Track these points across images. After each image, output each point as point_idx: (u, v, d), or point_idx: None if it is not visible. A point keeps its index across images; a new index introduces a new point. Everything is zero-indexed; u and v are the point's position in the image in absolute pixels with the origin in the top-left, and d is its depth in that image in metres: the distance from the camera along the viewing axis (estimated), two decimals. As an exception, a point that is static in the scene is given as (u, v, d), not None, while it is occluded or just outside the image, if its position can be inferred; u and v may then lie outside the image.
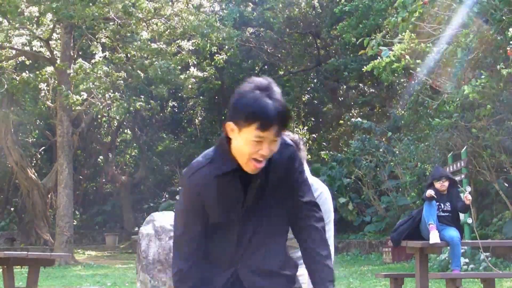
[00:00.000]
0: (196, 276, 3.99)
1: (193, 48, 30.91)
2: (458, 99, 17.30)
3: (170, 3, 28.72)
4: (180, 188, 4.08)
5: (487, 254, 16.09)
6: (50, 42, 30.23)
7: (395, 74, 18.29)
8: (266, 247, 3.98)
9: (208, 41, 29.12)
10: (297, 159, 4.09)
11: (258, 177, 3.88)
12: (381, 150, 25.49)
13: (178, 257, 4.01)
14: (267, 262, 3.98)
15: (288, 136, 4.75)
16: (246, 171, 3.85)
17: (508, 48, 15.93)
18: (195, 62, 32.47)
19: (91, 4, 25.96)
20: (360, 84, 33.08)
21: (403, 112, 25.98)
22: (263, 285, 3.98)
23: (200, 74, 32.10)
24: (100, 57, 30.34)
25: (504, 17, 16.49)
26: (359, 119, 29.34)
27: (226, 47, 31.14)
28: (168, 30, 29.87)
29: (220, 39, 29.89)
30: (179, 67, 30.46)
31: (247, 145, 3.75)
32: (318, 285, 4.03)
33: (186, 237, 3.99)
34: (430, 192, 11.22)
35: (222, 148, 3.93)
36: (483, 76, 16.40)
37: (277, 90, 3.89)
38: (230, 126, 3.79)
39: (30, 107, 32.55)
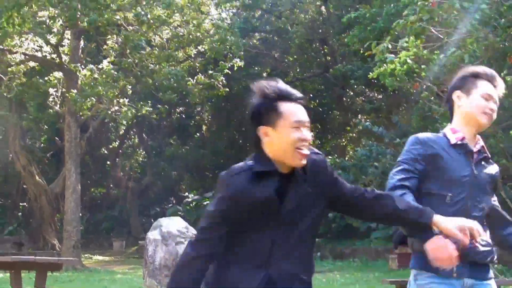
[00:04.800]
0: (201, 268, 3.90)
1: (200, 53, 31.00)
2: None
3: (179, 11, 28.73)
4: (216, 192, 4.03)
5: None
6: (59, 48, 30.39)
7: (397, 79, 18.22)
8: (297, 251, 3.93)
9: (216, 46, 29.28)
10: (328, 164, 4.14)
11: (296, 180, 3.90)
12: (387, 156, 25.49)
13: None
14: (297, 267, 3.94)
15: None
16: (294, 165, 3.86)
17: (509, 56, 15.98)
18: (202, 69, 32.48)
19: (103, 10, 26.13)
20: (367, 91, 33.10)
21: (409, 119, 25.99)
22: None
23: (207, 80, 32.17)
24: (108, 62, 30.50)
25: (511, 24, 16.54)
26: (368, 122, 29.34)
27: (233, 57, 31.21)
28: (177, 38, 29.95)
29: (227, 47, 30.04)
30: (187, 74, 30.61)
31: (288, 135, 3.81)
32: (424, 218, 4.06)
33: (207, 239, 3.90)
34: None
35: (259, 156, 3.94)
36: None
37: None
38: (263, 130, 3.85)
39: (38, 112, 32.65)
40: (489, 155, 4.66)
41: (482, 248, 4.41)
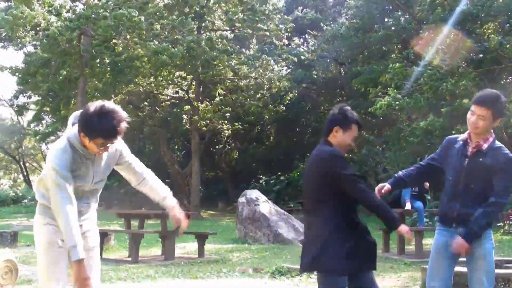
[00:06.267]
0: None
1: (271, 93, 31.19)
2: (422, 126, 17.24)
3: (257, 69, 28.95)
4: (343, 165, 3.81)
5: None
6: (188, 91, 30.86)
7: (382, 111, 18.25)
8: None
9: (278, 87, 29.56)
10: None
11: None
12: (378, 155, 25.35)
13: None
14: None
15: None
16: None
17: (447, 97, 15.90)
18: (271, 102, 32.62)
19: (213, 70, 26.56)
20: (367, 117, 32.84)
21: (391, 133, 25.77)
22: None
23: (274, 109, 32.39)
24: (217, 99, 30.87)
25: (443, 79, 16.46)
26: (366, 135, 29.38)
27: (289, 95, 31.37)
28: (256, 85, 30.16)
29: (286, 89, 30.26)
30: (262, 105, 30.91)
31: (349, 139, 3.94)
32: None
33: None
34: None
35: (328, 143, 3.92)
36: (430, 117, 16.37)
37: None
38: (336, 129, 3.90)
39: (176, 128, 33.10)
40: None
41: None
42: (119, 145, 3.74)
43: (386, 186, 4.33)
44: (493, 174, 3.94)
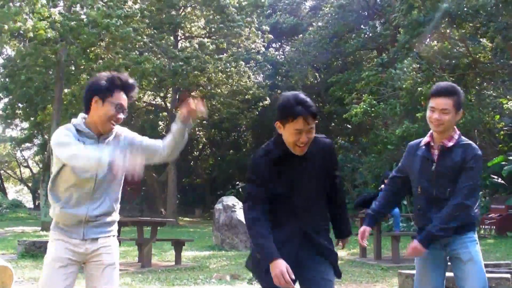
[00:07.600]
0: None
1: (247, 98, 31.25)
2: (397, 134, 17.31)
3: (233, 76, 28.95)
4: (249, 171, 3.39)
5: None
6: (165, 98, 30.74)
7: (358, 118, 18.32)
8: (313, 210, 3.31)
9: (254, 94, 29.64)
10: (334, 151, 3.55)
11: (303, 160, 3.26)
12: (354, 162, 25.42)
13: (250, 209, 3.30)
14: (315, 221, 3.33)
15: None
16: (296, 154, 3.23)
17: (422, 102, 16.01)
18: (247, 108, 32.64)
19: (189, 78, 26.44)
20: (343, 123, 32.97)
21: (367, 140, 25.89)
22: (318, 239, 3.34)
23: (251, 115, 32.44)
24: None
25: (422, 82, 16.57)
26: (342, 141, 29.53)
27: (265, 102, 31.39)
28: (232, 91, 30.17)
29: (260, 95, 30.31)
30: (238, 111, 30.93)
31: (290, 135, 3.20)
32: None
33: (256, 199, 3.26)
34: (383, 186, 11.38)
35: (276, 140, 3.31)
36: (405, 124, 16.50)
37: (303, 96, 3.28)
38: (277, 124, 3.27)
39: (152, 134, 32.93)
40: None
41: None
42: (126, 134, 3.63)
43: (366, 230, 3.90)
44: (461, 172, 3.58)
